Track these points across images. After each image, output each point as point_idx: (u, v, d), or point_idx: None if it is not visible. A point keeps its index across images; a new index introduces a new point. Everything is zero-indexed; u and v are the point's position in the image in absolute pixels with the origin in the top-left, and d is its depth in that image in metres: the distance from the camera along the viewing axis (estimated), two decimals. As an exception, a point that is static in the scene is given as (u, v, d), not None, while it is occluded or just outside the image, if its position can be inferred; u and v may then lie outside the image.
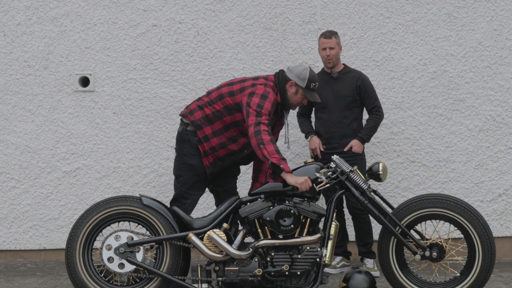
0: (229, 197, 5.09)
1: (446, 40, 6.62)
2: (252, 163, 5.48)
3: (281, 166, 4.76)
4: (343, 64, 6.10)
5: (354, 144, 5.89)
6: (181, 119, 5.29)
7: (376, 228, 5.87)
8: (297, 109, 6.18)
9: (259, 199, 4.92)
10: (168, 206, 5.09)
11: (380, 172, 4.90)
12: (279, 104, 5.12)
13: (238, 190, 6.28)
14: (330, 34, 5.96)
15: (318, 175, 4.82)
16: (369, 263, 5.99)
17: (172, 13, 6.64)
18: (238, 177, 5.53)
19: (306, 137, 6.14)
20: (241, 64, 6.58)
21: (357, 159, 5.86)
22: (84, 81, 6.67)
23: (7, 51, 6.66)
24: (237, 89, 5.09)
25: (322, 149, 5.97)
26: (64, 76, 6.66)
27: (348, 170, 4.86)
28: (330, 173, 4.89)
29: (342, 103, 5.93)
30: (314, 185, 4.82)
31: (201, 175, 5.20)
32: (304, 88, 5.08)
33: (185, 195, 5.21)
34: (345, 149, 5.88)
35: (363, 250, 6.04)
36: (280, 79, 5.12)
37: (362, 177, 4.91)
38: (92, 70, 6.65)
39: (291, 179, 4.77)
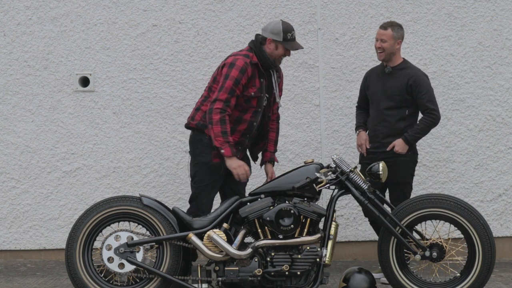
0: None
1: (446, 40, 6.62)
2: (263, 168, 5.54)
3: (222, 150, 4.95)
4: (403, 58, 5.75)
5: (397, 144, 5.52)
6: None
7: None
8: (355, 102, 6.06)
9: (259, 199, 4.92)
10: (168, 206, 5.10)
11: (380, 172, 4.89)
12: (259, 65, 5.13)
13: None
14: (386, 25, 5.61)
15: (318, 175, 4.82)
16: None
17: (172, 13, 6.64)
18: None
19: (356, 130, 5.89)
20: (241, 64, 6.57)
21: (398, 160, 5.53)
22: (84, 81, 6.67)
23: (7, 51, 6.65)
24: (217, 73, 5.22)
25: (368, 146, 5.69)
26: (64, 76, 6.66)
27: (348, 170, 4.85)
28: (330, 173, 4.89)
29: (390, 101, 5.59)
30: (314, 185, 4.81)
31: (215, 173, 5.20)
32: (282, 41, 5.10)
33: (201, 194, 5.24)
34: (388, 149, 5.57)
35: None
36: (255, 41, 5.18)
37: (362, 177, 4.90)
38: (92, 70, 6.65)
39: (229, 162, 4.99)
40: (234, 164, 5.00)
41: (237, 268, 4.79)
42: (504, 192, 6.64)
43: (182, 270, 4.93)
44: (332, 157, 4.97)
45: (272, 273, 4.78)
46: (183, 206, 5.59)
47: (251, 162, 5.54)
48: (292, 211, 4.78)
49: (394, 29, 5.58)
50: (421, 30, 6.61)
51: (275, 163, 5.52)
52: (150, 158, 6.65)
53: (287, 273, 4.77)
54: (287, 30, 5.11)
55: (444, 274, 5.06)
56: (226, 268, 4.80)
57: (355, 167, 4.91)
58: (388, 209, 5.04)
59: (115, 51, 6.65)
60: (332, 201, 4.88)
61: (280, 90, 5.41)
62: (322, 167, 4.93)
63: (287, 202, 4.84)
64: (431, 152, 6.62)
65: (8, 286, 5.79)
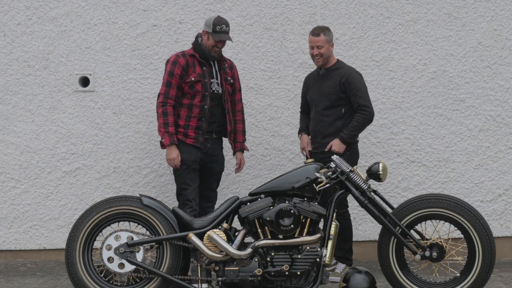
0: (210, 194, 5.78)
1: (446, 40, 6.62)
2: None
3: (162, 140, 5.62)
4: (337, 59, 5.90)
5: (334, 144, 5.65)
6: None
7: (377, 228, 5.87)
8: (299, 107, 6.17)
9: (259, 199, 4.92)
10: (168, 206, 5.10)
11: (380, 172, 4.90)
12: (197, 56, 5.70)
13: (237, 190, 6.30)
14: (318, 31, 5.74)
15: (318, 175, 4.82)
16: (339, 268, 5.77)
17: (172, 13, 6.64)
18: (219, 174, 5.89)
19: (299, 134, 6.04)
20: (241, 64, 6.58)
21: None
22: (84, 81, 6.67)
23: (7, 51, 6.65)
24: None
25: (310, 149, 5.85)
26: (64, 76, 6.66)
27: (348, 170, 4.86)
28: (330, 173, 4.89)
29: (326, 102, 5.74)
30: (314, 185, 4.81)
31: (190, 167, 5.66)
32: (212, 32, 5.65)
33: (183, 186, 5.65)
34: (326, 149, 5.68)
35: (338, 254, 5.80)
36: (196, 37, 5.80)
37: (362, 177, 4.90)
38: (92, 70, 6.65)
39: (167, 151, 5.62)
40: (169, 155, 5.62)
41: (237, 268, 4.79)
42: (504, 192, 6.64)
43: (182, 270, 4.94)
44: (332, 157, 4.98)
45: (272, 273, 4.78)
46: (183, 206, 5.60)
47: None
48: (292, 211, 4.78)
49: (325, 33, 5.77)
50: (421, 30, 6.61)
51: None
52: (150, 158, 6.65)
53: (287, 273, 4.77)
54: (217, 23, 5.67)
55: (444, 274, 5.06)
56: (226, 268, 4.80)
57: (355, 167, 4.91)
58: (388, 209, 5.04)
59: (115, 51, 6.65)
60: (332, 201, 4.88)
61: (237, 80, 5.95)
62: (322, 167, 4.93)
63: (287, 202, 4.84)
64: (431, 152, 6.62)
65: (8, 286, 5.79)
